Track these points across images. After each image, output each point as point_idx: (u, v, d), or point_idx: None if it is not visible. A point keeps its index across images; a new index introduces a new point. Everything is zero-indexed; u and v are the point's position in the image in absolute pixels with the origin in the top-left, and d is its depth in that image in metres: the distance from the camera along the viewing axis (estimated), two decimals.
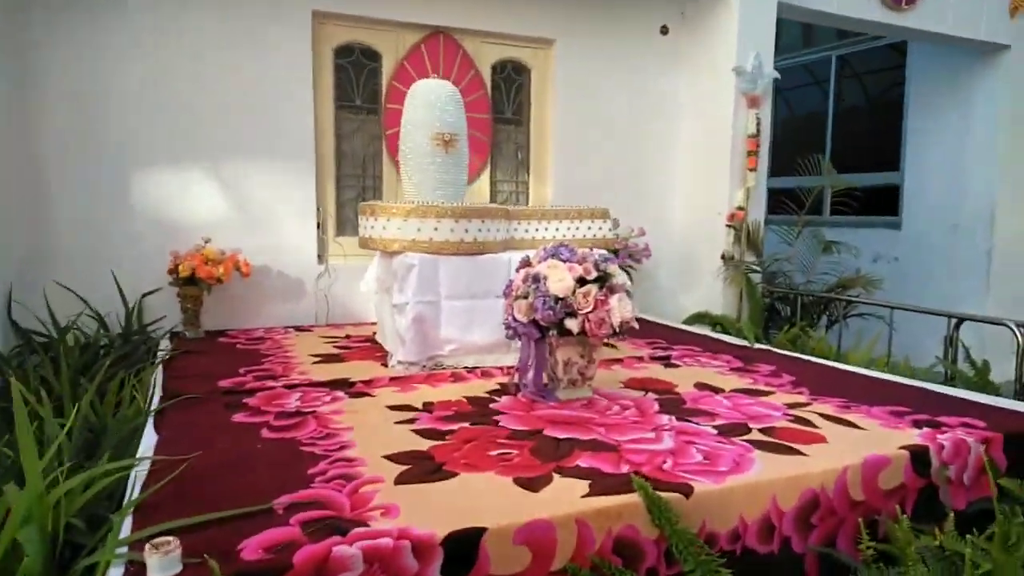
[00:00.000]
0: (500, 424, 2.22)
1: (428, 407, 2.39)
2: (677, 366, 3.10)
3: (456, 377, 2.83)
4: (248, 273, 3.68)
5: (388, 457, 1.92)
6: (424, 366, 2.93)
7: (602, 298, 2.40)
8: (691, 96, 4.85)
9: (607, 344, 3.44)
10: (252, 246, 3.86)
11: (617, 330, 2.43)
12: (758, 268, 4.52)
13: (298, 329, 3.87)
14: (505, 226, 3.15)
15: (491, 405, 2.44)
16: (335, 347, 3.39)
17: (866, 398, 2.54)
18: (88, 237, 3.55)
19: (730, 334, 3.96)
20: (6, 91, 3.25)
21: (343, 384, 2.68)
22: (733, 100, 4.51)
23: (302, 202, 3.96)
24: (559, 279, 2.40)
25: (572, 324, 2.41)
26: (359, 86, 4.18)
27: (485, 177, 4.51)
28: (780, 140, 6.34)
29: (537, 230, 3.24)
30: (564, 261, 2.47)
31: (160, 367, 2.91)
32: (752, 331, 3.64)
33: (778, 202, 5.60)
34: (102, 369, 2.61)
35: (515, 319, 2.50)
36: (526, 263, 2.56)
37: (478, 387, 2.68)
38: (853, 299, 4.31)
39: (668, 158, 4.91)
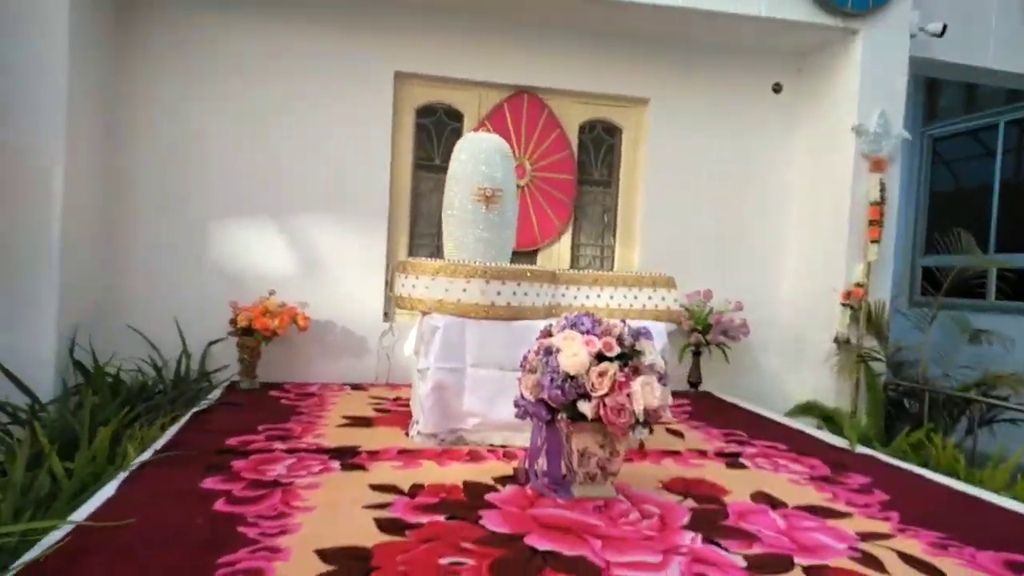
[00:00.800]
0: (480, 522, 1.84)
1: (414, 491, 2.07)
2: (744, 467, 2.54)
3: (473, 456, 2.49)
4: (305, 327, 3.59)
5: (320, 552, 1.60)
6: (443, 440, 2.61)
7: (622, 380, 1.98)
8: (805, 158, 4.30)
9: (673, 432, 2.95)
10: (319, 300, 3.80)
11: (640, 420, 1.99)
12: (879, 355, 3.78)
13: (355, 387, 3.73)
14: (549, 291, 2.81)
15: (488, 496, 2.07)
16: (375, 409, 3.20)
17: (977, 536, 1.87)
18: (162, 285, 3.65)
19: (838, 433, 3.27)
20: (97, 141, 3.44)
21: (347, 453, 2.44)
22: (853, 163, 3.92)
23: (372, 259, 3.87)
24: (572, 354, 2.02)
25: (585, 408, 2.00)
26: (439, 145, 4.07)
27: (566, 240, 4.22)
28: (939, 214, 5.51)
29: (588, 297, 2.87)
30: (584, 332, 2.08)
31: (189, 418, 2.83)
32: (856, 431, 2.97)
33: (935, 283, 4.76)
34: (118, 415, 2.55)
35: (523, 397, 2.13)
36: (547, 332, 2.20)
37: (489, 471, 2.32)
38: (996, 401, 3.45)
39: (776, 226, 4.35)
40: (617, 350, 2.04)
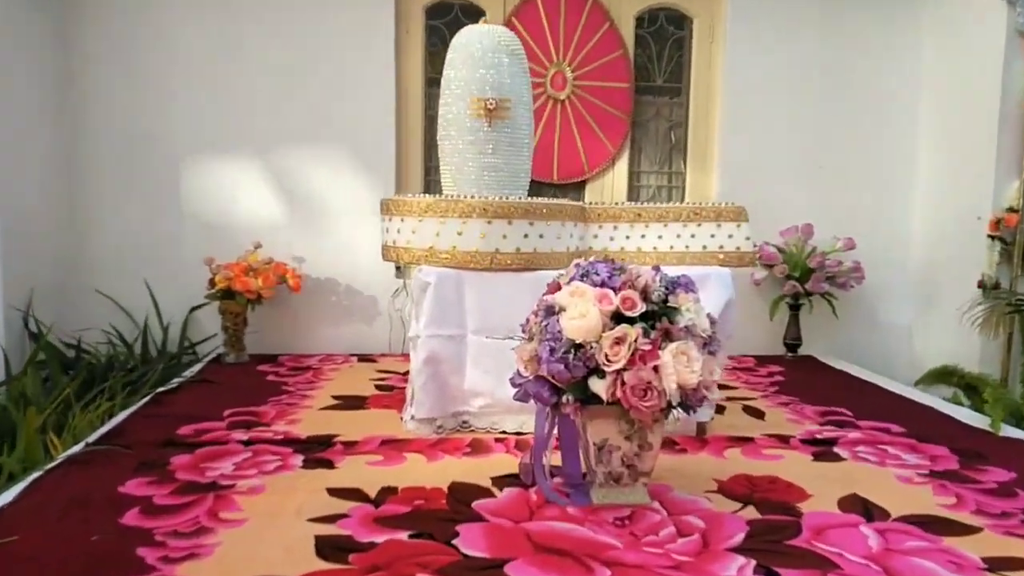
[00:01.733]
0: (454, 542, 1.60)
1: (383, 496, 1.86)
2: (838, 459, 2.21)
3: (476, 448, 2.27)
4: (298, 287, 3.43)
5: None
6: (441, 427, 2.39)
7: (646, 348, 1.67)
8: (936, 44, 3.75)
9: (751, 411, 2.63)
10: (317, 255, 3.66)
11: (674, 402, 1.68)
12: None
13: (362, 359, 3.59)
14: (576, 231, 2.51)
15: (478, 503, 1.83)
16: (377, 386, 3.06)
17: None
18: (132, 241, 3.56)
19: (979, 409, 2.85)
20: (46, 84, 3.32)
21: (317, 445, 2.26)
22: (1004, 45, 3.35)
23: (380, 201, 3.64)
24: (579, 314, 1.72)
25: (598, 387, 1.71)
26: None
27: (622, 167, 3.88)
28: None
29: (628, 238, 2.55)
30: (598, 285, 1.77)
31: (146, 400, 2.73)
32: (1003, 406, 2.54)
33: None
34: (54, 399, 2.46)
35: (519, 374, 1.86)
36: (555, 286, 1.91)
37: (491, 467, 2.10)
38: None
39: (896, 136, 3.86)
40: (642, 307, 1.72)
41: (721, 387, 3.07)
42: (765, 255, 3.68)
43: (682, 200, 3.92)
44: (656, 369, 1.67)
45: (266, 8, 3.55)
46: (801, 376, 3.39)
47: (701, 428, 2.45)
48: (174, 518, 1.72)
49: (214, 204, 3.61)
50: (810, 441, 2.38)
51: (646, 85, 3.91)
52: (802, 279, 3.63)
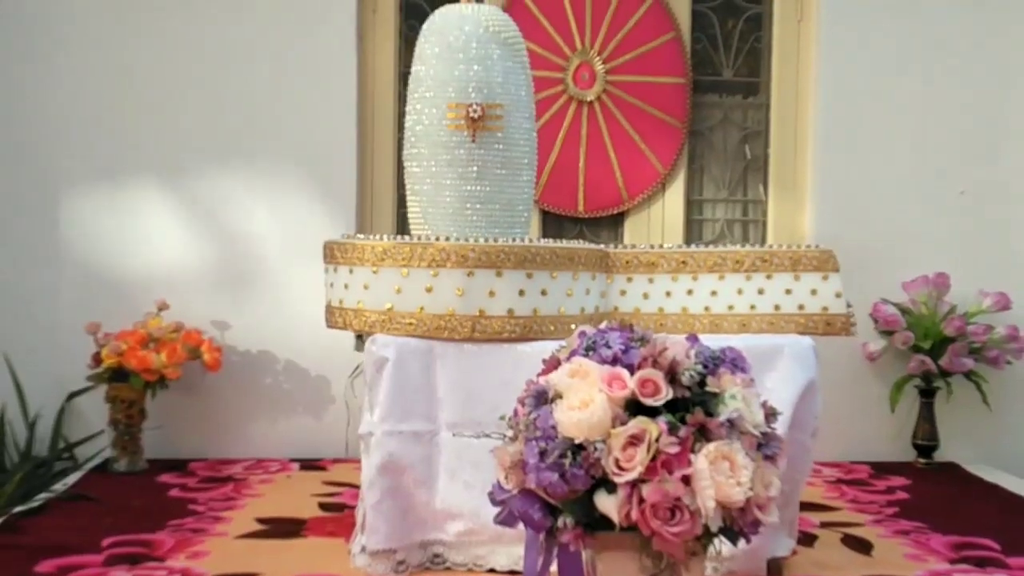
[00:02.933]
0: None
1: None
2: None
3: None
4: (215, 364, 3.56)
5: None
6: (402, 562, 2.45)
7: (673, 450, 1.72)
8: None
9: (854, 541, 2.65)
10: (244, 319, 3.81)
11: (711, 528, 1.73)
12: None
13: (306, 465, 3.69)
14: (596, 286, 2.60)
15: None
16: (322, 504, 3.19)
17: None
18: None
19: None
20: None
21: None
22: None
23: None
24: (580, 402, 1.79)
25: (607, 505, 1.76)
26: None
27: (676, 194, 4.03)
28: None
29: (670, 294, 2.63)
30: (608, 362, 1.84)
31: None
32: None
33: None
34: None
35: (499, 486, 1.92)
36: (554, 362, 1.99)
37: None
38: None
39: None
40: (668, 393, 1.78)
41: (813, 508, 3.12)
42: (882, 317, 3.75)
43: (763, 241, 4.01)
44: (687, 480, 1.72)
45: None
46: (935, 492, 3.44)
47: (775, 566, 2.48)
48: None
49: (104, 248, 3.77)
50: None
51: (709, 80, 4.07)
52: (935, 352, 3.68)
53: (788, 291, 2.61)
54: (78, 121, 3.74)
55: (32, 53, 3.71)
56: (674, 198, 4.01)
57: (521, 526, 1.95)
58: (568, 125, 3.91)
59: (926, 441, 3.82)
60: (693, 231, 4.06)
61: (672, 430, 1.75)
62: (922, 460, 3.83)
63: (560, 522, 1.81)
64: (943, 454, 3.87)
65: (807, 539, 2.78)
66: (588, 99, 3.92)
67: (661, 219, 4.01)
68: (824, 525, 2.96)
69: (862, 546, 2.76)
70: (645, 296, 2.65)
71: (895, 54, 3.92)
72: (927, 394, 3.80)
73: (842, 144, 3.92)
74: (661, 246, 2.76)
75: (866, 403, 3.85)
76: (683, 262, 2.65)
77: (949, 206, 3.93)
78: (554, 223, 4.02)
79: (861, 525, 2.99)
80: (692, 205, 4.06)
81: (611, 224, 4.04)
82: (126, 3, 3.74)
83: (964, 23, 3.93)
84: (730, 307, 2.62)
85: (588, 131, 3.92)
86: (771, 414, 1.88)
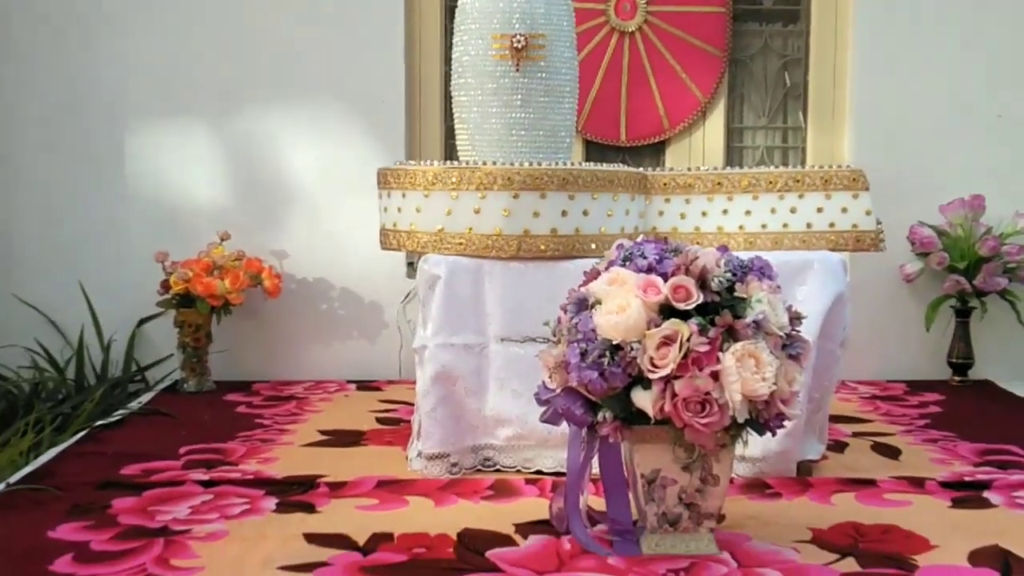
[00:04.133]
0: None
1: (373, 543, 2.13)
2: (990, 505, 2.40)
3: (500, 490, 2.52)
4: (276, 290, 3.74)
5: None
6: (455, 464, 2.64)
7: (703, 349, 1.88)
8: None
9: (883, 448, 2.81)
10: (301, 248, 3.98)
11: (739, 419, 1.89)
12: None
13: (362, 386, 3.89)
14: (635, 206, 2.75)
15: (493, 552, 2.08)
16: (379, 419, 3.37)
17: None
18: (59, 232, 3.92)
19: None
20: None
21: (295, 487, 2.54)
22: None
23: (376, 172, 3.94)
24: (618, 307, 1.95)
25: (643, 400, 1.93)
26: None
27: (716, 122, 4.13)
28: None
29: (706, 215, 2.77)
30: (643, 271, 2.00)
31: (82, 435, 3.06)
32: None
33: None
34: None
35: (544, 386, 2.10)
36: (594, 273, 2.14)
37: (516, 512, 2.34)
38: None
39: None
40: (698, 298, 1.94)
41: (846, 420, 3.26)
42: (919, 239, 3.83)
43: (802, 166, 4.09)
44: (715, 376, 1.88)
45: None
46: (967, 407, 3.55)
47: (804, 468, 2.63)
48: (115, 566, 2.00)
49: (168, 183, 3.95)
50: (954, 484, 2.54)
51: (748, 8, 4.13)
52: (970, 272, 3.76)
53: (820, 209, 2.74)
54: (141, 62, 3.91)
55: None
56: (714, 126, 4.10)
57: (565, 425, 2.12)
58: (610, 56, 4.01)
59: (961, 359, 3.91)
60: (733, 158, 4.14)
61: (702, 331, 1.91)
62: (957, 378, 3.92)
63: (600, 416, 1.99)
64: (978, 372, 3.95)
65: (838, 446, 2.91)
66: (629, 30, 4.00)
67: (702, 147, 4.10)
68: (855, 435, 3.10)
69: (890, 452, 2.89)
70: (682, 216, 2.79)
71: None
72: (962, 314, 3.88)
73: (880, 71, 3.97)
74: (698, 168, 2.90)
75: (903, 323, 3.95)
76: (718, 183, 2.78)
77: (986, 131, 3.98)
78: (597, 152, 4.13)
79: (892, 435, 3.11)
80: (732, 133, 4.15)
81: (653, 152, 4.14)
82: None
83: None
84: (764, 225, 2.75)
85: (629, 61, 4.02)
86: (796, 317, 2.03)
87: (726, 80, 4.10)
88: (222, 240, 3.79)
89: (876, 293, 3.88)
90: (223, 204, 3.96)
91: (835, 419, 3.13)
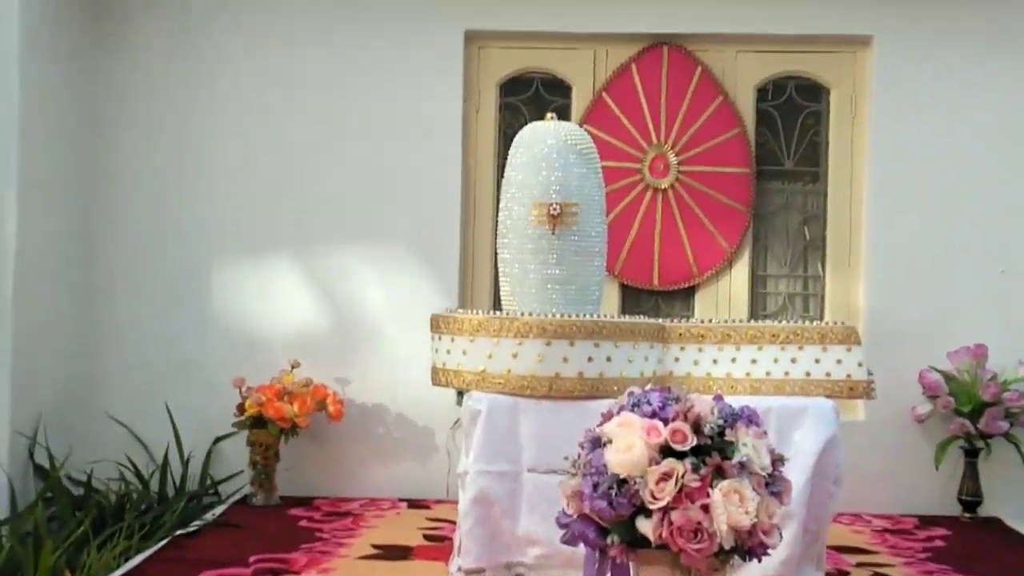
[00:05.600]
0: None
1: None
2: None
3: None
4: (339, 415, 4.11)
5: None
6: None
7: (695, 485, 2.21)
8: None
9: None
10: (362, 376, 4.36)
11: (725, 546, 2.20)
12: None
13: (413, 504, 4.19)
14: (654, 353, 3.07)
15: None
16: (426, 536, 3.66)
17: None
18: (151, 360, 4.35)
19: None
20: (62, 178, 4.24)
21: None
22: None
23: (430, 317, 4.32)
24: (625, 446, 2.28)
25: (645, 527, 2.25)
26: None
27: (741, 270, 4.45)
28: None
29: (716, 362, 3.08)
30: (649, 415, 2.34)
31: (164, 543, 3.42)
32: None
33: None
34: (72, 537, 3.18)
35: (564, 512, 2.42)
36: (608, 415, 2.48)
37: None
38: None
39: None
40: (693, 441, 2.27)
41: (853, 551, 3.50)
42: (928, 383, 4.10)
43: (820, 312, 4.42)
44: (706, 508, 2.20)
45: (316, 92, 4.38)
46: (970, 542, 3.74)
47: None
48: None
49: (248, 314, 4.39)
50: None
51: (772, 170, 4.50)
52: (975, 416, 4.01)
53: (817, 360, 3.04)
54: (226, 201, 4.38)
55: (188, 143, 4.40)
56: (740, 274, 4.43)
57: (581, 544, 2.44)
58: (645, 209, 4.39)
59: (970, 497, 4.12)
60: (758, 304, 4.46)
61: (695, 469, 2.23)
62: (967, 515, 4.13)
63: (609, 540, 2.30)
64: (988, 509, 4.14)
65: (839, 575, 3.17)
66: (663, 187, 4.39)
67: (728, 293, 4.42)
68: (859, 565, 3.33)
69: None
70: (695, 363, 3.11)
71: (938, 148, 4.29)
72: (971, 454, 4.11)
73: (892, 226, 4.29)
74: (710, 321, 3.24)
75: (916, 461, 4.16)
76: (727, 335, 3.11)
77: (990, 282, 4.26)
78: (632, 295, 4.48)
79: (893, 566, 3.34)
80: (757, 280, 4.46)
81: (683, 296, 4.47)
82: (260, 105, 4.39)
83: (1004, 119, 4.30)
84: (768, 373, 3.06)
85: (662, 215, 4.39)
86: (778, 460, 2.34)
87: (751, 233, 4.43)
88: (293, 368, 4.18)
89: (891, 432, 4.14)
90: (296, 333, 4.36)
91: (844, 550, 3.41)
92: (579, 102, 4.48)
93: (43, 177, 4.04)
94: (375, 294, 4.37)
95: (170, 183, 4.42)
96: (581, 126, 4.25)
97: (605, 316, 3.06)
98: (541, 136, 3.21)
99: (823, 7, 4.32)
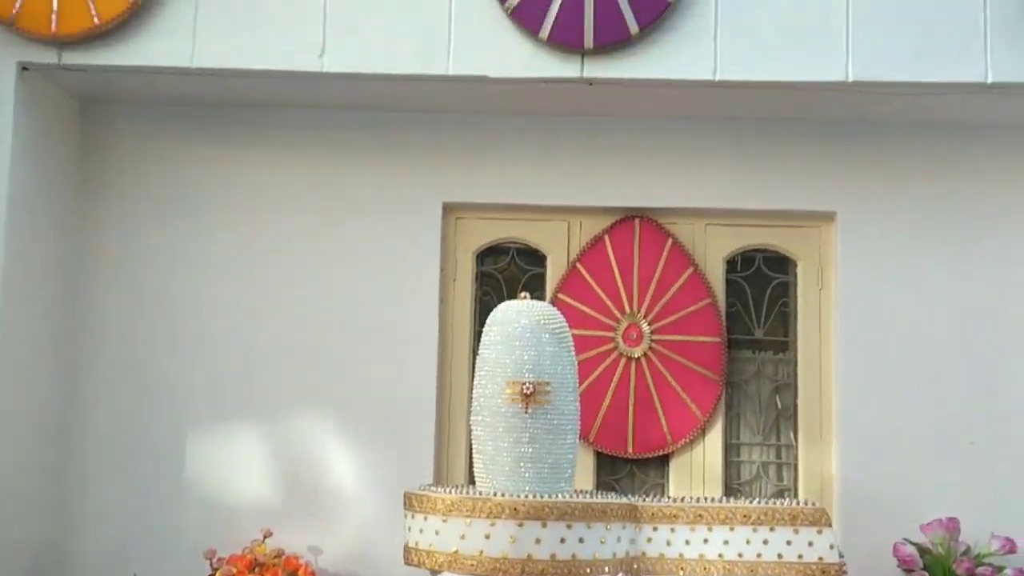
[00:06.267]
0: None
1: None
2: None
3: None
4: None
5: None
6: None
7: None
8: None
9: None
10: (336, 546, 4.28)
11: None
12: None
13: None
14: (626, 534, 3.09)
15: None
16: None
17: None
18: (125, 530, 4.29)
19: None
20: (46, 332, 4.27)
21: None
22: None
23: (414, 485, 4.28)
24: None
25: None
26: None
27: (715, 438, 4.45)
28: None
29: (688, 543, 3.10)
30: None
31: None
32: None
33: None
34: None
35: None
36: None
37: None
38: None
39: None
40: None
41: None
42: (902, 557, 4.06)
43: (794, 481, 4.42)
44: None
45: (293, 260, 4.44)
46: None
47: None
48: None
49: (220, 482, 4.34)
50: None
51: (743, 339, 4.56)
52: None
53: (789, 542, 3.06)
54: (201, 369, 4.40)
55: (165, 311, 4.44)
56: (713, 442, 4.42)
57: None
58: (618, 378, 4.41)
59: None
60: (731, 472, 4.43)
61: None
62: None
63: None
64: None
65: None
66: (636, 355, 4.42)
67: (703, 461, 4.40)
68: None
69: None
70: (668, 543, 3.12)
71: (905, 318, 4.36)
72: None
73: (861, 396, 4.32)
74: (682, 499, 3.25)
75: None
76: (699, 515, 3.13)
77: (962, 453, 4.26)
78: (607, 462, 4.45)
79: None
80: (730, 448, 4.45)
81: (657, 464, 4.45)
82: (237, 273, 4.44)
83: (967, 288, 4.38)
84: (740, 555, 3.07)
85: (636, 383, 4.41)
86: None
87: (723, 401, 4.44)
88: (265, 537, 4.10)
89: None
90: (268, 502, 4.31)
91: None
92: (554, 271, 4.56)
93: (20, 347, 4.06)
94: (349, 464, 4.34)
95: (146, 351, 4.43)
96: (556, 295, 4.41)
97: (578, 495, 3.07)
98: (514, 315, 3.29)
99: (787, 184, 4.46)
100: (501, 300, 4.44)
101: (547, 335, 3.26)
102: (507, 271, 4.63)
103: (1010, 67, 3.87)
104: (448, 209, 4.55)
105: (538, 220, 4.60)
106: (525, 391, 3.16)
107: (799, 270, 4.58)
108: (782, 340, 4.59)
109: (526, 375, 3.19)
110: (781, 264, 4.61)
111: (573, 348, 3.34)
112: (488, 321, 3.36)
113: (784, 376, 4.56)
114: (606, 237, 4.55)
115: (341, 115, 4.50)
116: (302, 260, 4.48)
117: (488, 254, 4.63)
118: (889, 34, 3.88)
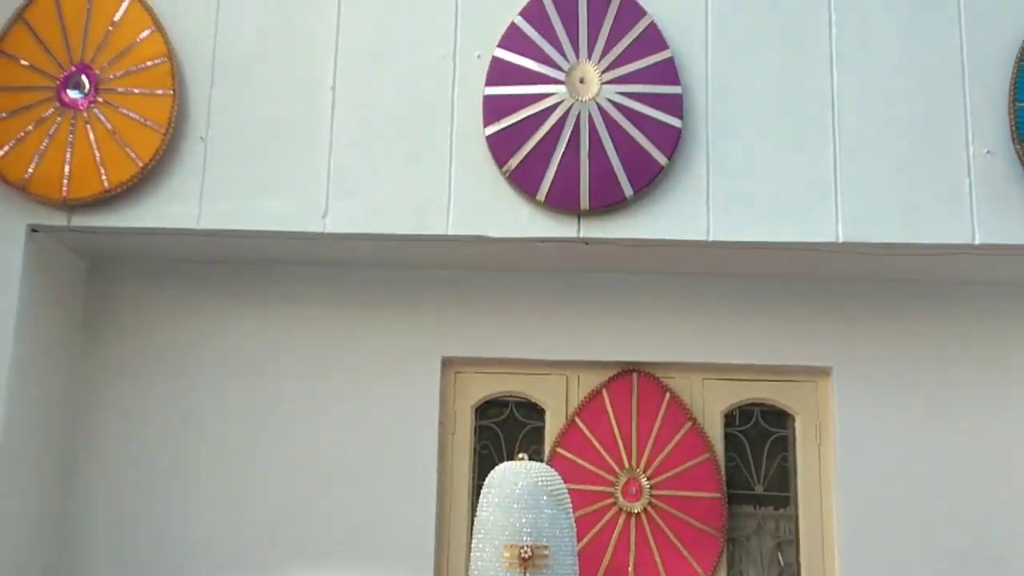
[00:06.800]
0: None
1: None
2: None
3: None
4: None
5: None
6: None
7: None
8: None
9: None
10: None
11: None
12: None
13: None
14: None
15: None
16: None
17: None
18: None
19: None
20: (42, 489, 4.26)
21: None
22: None
23: None
24: None
25: None
26: (512, 455, 4.51)
27: None
28: None
29: None
30: None
31: None
32: None
33: None
34: None
35: None
36: None
37: None
38: None
39: None
40: None
41: None
42: None
43: None
44: None
45: (292, 413, 4.46)
46: None
47: None
48: None
49: None
50: None
51: (743, 494, 4.53)
52: None
53: None
54: (199, 526, 4.37)
55: (163, 467, 4.44)
56: None
57: None
58: (618, 534, 4.35)
59: None
60: None
61: None
62: None
63: None
64: None
65: None
66: (635, 511, 4.38)
67: None
68: None
69: None
70: None
71: (904, 471, 4.34)
72: None
73: (864, 551, 4.27)
74: None
75: None
76: None
77: None
78: None
79: None
80: None
81: None
82: (245, 431, 4.45)
83: (957, 446, 4.39)
84: None
85: (636, 539, 4.35)
86: None
87: (724, 558, 4.38)
88: None
89: None
90: None
91: None
92: (552, 425, 4.56)
93: (20, 507, 4.06)
94: None
95: (148, 507, 4.41)
96: (555, 449, 4.40)
97: None
98: (512, 476, 3.28)
99: (783, 340, 4.51)
100: (500, 453, 4.50)
101: (545, 497, 3.24)
102: (506, 424, 4.63)
103: (997, 228, 3.98)
104: (447, 363, 4.59)
105: (536, 374, 4.63)
106: (523, 555, 3.13)
107: (797, 424, 4.59)
108: (783, 495, 4.56)
109: (524, 538, 3.16)
110: (780, 418, 4.62)
111: (571, 509, 3.31)
112: (486, 482, 3.35)
113: (786, 532, 4.52)
114: (604, 391, 4.57)
115: (341, 271, 4.60)
116: (303, 414, 4.50)
117: (487, 407, 4.65)
118: (878, 197, 4.01)
